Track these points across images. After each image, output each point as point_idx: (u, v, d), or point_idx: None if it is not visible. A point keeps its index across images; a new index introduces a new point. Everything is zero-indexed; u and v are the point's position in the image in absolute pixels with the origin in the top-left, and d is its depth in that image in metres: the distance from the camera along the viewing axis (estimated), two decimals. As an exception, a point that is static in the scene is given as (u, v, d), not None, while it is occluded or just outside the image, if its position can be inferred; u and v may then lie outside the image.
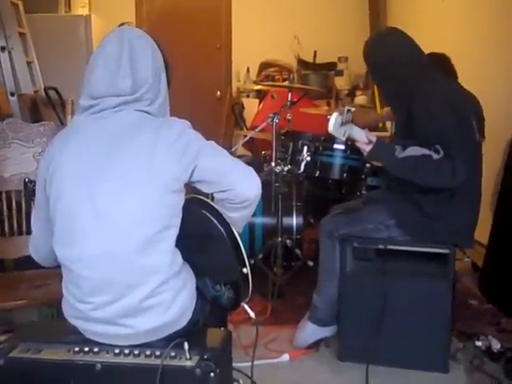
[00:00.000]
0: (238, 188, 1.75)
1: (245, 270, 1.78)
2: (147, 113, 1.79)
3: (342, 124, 2.39)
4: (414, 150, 2.50)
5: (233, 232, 1.78)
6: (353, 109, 2.46)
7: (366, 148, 2.56)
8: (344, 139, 2.50)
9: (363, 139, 2.55)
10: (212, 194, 1.79)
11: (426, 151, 2.48)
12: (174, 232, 1.73)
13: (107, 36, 1.81)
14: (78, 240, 1.70)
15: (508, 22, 3.85)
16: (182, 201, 1.77)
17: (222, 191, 1.75)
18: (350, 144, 3.36)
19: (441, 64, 3.24)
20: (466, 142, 2.53)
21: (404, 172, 2.56)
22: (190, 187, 1.79)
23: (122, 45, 1.76)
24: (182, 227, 1.75)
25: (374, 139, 2.56)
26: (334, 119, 2.36)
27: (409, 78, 2.64)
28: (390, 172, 2.64)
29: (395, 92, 2.74)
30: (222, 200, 1.79)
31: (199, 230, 1.80)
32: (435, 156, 2.46)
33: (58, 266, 1.82)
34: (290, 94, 3.72)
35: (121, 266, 1.67)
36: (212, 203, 1.82)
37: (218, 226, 1.77)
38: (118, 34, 1.80)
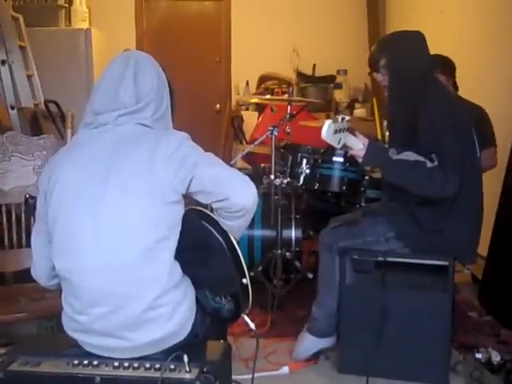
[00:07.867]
0: (233, 197, 1.74)
1: (245, 281, 1.78)
2: (147, 126, 1.81)
3: (336, 132, 2.39)
4: (409, 155, 2.51)
5: (233, 243, 1.79)
6: (347, 117, 2.46)
7: (361, 153, 2.55)
8: (339, 147, 2.51)
9: (359, 147, 2.56)
10: (210, 204, 1.80)
11: (420, 158, 2.49)
12: (172, 243, 1.74)
13: (114, 58, 1.89)
14: (78, 251, 1.71)
15: (508, 31, 3.87)
16: (182, 212, 1.78)
17: (219, 201, 1.75)
18: (350, 156, 3.37)
19: (446, 68, 3.26)
20: (463, 156, 2.52)
21: (396, 175, 2.56)
22: (190, 198, 1.80)
23: (127, 62, 1.84)
24: (182, 239, 1.76)
25: (366, 142, 2.56)
26: (326, 126, 2.36)
27: (423, 81, 2.62)
28: (383, 175, 2.64)
29: (405, 92, 2.67)
30: (218, 209, 1.79)
31: (199, 242, 1.81)
32: (429, 164, 2.48)
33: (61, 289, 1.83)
34: (289, 107, 3.72)
35: (120, 276, 1.68)
36: (211, 214, 1.83)
37: (218, 237, 1.77)
38: (125, 55, 1.89)
